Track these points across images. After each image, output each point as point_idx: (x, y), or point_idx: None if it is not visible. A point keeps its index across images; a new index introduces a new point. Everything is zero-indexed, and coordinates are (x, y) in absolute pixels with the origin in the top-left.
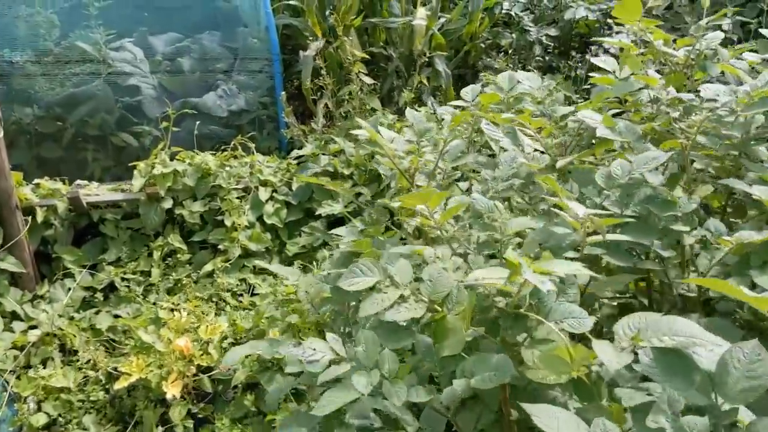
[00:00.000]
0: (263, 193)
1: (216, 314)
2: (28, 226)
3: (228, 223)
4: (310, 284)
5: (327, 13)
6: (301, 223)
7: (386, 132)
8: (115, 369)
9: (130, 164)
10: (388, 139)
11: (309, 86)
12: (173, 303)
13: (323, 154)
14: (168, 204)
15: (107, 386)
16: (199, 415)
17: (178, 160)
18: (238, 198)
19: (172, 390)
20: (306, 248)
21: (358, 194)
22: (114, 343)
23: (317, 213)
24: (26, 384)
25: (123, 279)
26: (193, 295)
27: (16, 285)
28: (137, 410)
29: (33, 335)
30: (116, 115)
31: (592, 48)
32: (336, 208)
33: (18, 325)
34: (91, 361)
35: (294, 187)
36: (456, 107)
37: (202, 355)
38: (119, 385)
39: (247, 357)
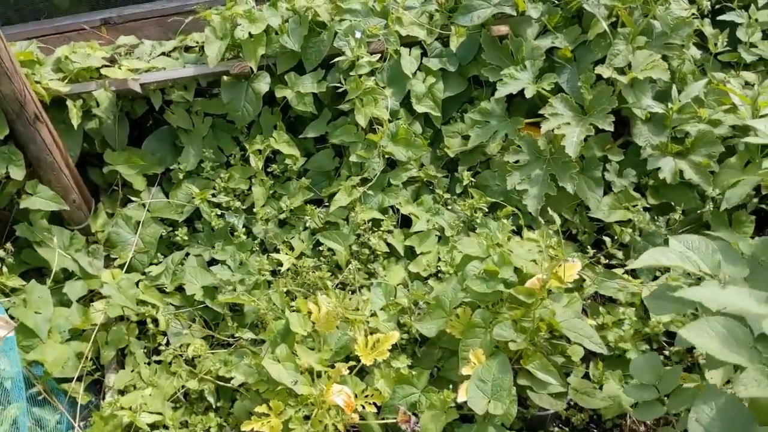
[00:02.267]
0: (408, 61)
1: (365, 287)
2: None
3: (361, 119)
4: None
5: None
6: (461, 99)
7: None
8: (227, 380)
9: None
10: None
11: None
12: (294, 259)
13: None
14: (265, 83)
15: (218, 405)
16: None
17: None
18: (369, 71)
19: None
20: (473, 145)
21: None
22: (216, 327)
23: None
24: (101, 423)
25: (211, 204)
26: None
27: (61, 222)
28: None
29: (98, 312)
30: None
31: None
32: (521, 79)
33: (73, 288)
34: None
35: (455, 42)
36: None
37: (365, 394)
38: (246, 428)
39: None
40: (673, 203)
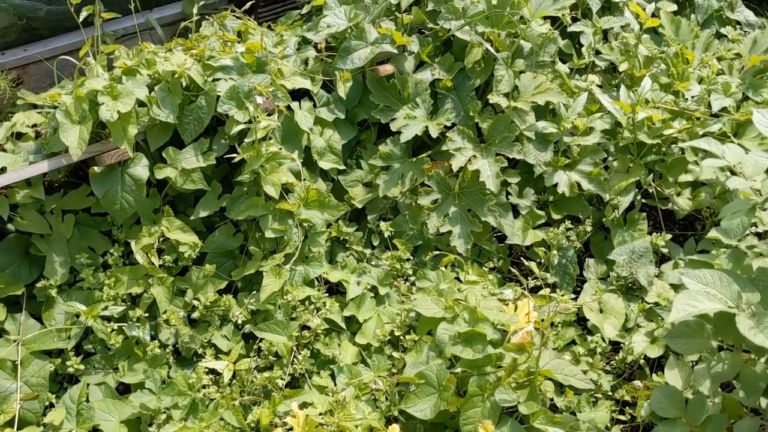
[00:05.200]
0: (302, 116)
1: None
2: None
3: (271, 189)
4: None
5: None
6: (352, 144)
7: None
8: None
9: None
10: None
11: None
12: (232, 363)
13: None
14: (143, 167)
15: None
16: None
17: (124, 68)
18: (264, 131)
19: None
20: (384, 193)
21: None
22: None
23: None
24: None
25: (103, 318)
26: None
27: None
28: None
29: None
30: None
31: None
32: (419, 117)
33: None
34: None
35: (342, 88)
36: None
37: None
38: None
39: None
40: (577, 214)
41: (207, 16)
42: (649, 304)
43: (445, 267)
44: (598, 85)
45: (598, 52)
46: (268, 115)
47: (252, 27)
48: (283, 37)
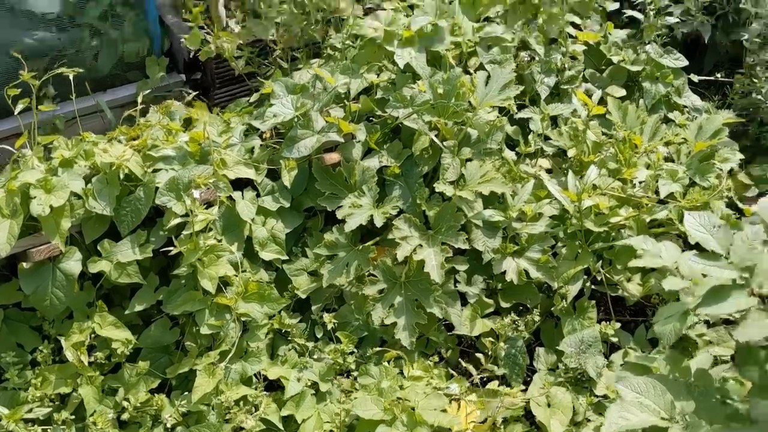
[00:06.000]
0: (244, 206)
1: None
2: None
3: (208, 283)
4: None
5: None
6: (298, 231)
7: None
8: None
9: None
10: None
11: None
12: None
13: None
14: (76, 261)
15: None
16: None
17: (61, 159)
18: (202, 224)
19: None
20: (328, 284)
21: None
22: None
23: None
24: None
25: (26, 421)
26: None
27: None
28: None
29: None
30: None
31: None
32: (365, 206)
33: None
34: None
35: (287, 177)
36: None
37: None
38: None
39: None
40: (522, 304)
41: (167, 97)
42: (598, 397)
43: (389, 362)
44: (548, 170)
45: (546, 138)
46: (209, 205)
47: (198, 115)
48: (230, 124)
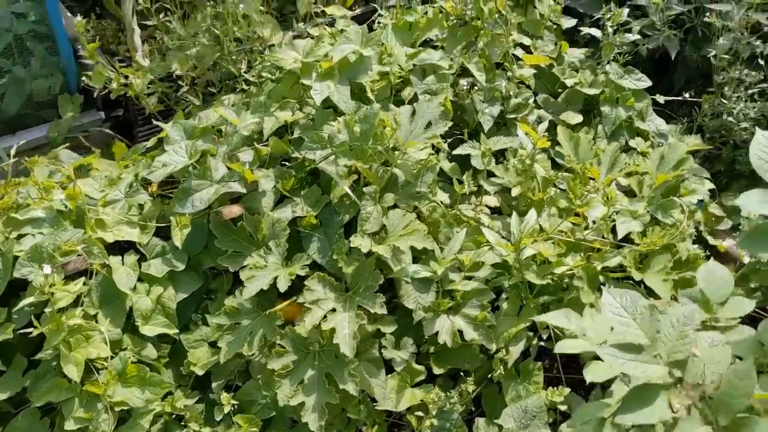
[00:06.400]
0: (123, 275)
1: None
2: None
3: (72, 369)
4: None
5: None
6: (199, 295)
7: None
8: None
9: None
10: None
11: None
12: None
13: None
14: None
15: None
16: None
17: None
18: (67, 299)
19: None
20: (227, 358)
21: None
22: None
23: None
24: None
25: None
26: None
27: None
28: None
29: None
30: None
31: None
32: (269, 266)
33: None
34: None
35: (179, 236)
36: None
37: None
38: None
39: None
40: (460, 369)
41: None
42: None
43: None
44: (495, 208)
45: (491, 174)
46: (83, 274)
47: (96, 163)
48: (121, 175)
